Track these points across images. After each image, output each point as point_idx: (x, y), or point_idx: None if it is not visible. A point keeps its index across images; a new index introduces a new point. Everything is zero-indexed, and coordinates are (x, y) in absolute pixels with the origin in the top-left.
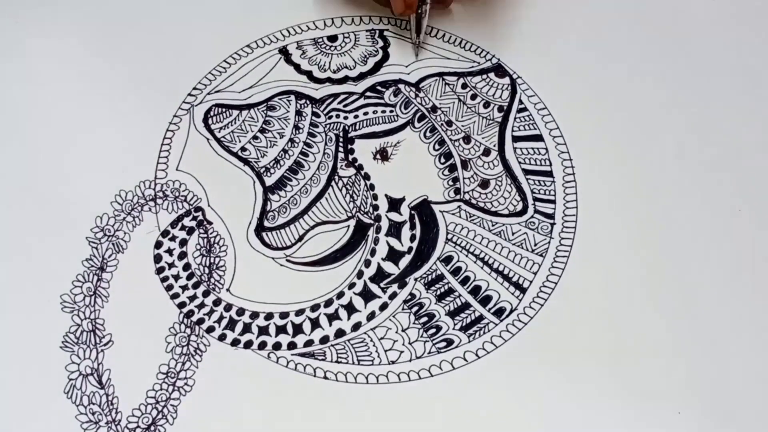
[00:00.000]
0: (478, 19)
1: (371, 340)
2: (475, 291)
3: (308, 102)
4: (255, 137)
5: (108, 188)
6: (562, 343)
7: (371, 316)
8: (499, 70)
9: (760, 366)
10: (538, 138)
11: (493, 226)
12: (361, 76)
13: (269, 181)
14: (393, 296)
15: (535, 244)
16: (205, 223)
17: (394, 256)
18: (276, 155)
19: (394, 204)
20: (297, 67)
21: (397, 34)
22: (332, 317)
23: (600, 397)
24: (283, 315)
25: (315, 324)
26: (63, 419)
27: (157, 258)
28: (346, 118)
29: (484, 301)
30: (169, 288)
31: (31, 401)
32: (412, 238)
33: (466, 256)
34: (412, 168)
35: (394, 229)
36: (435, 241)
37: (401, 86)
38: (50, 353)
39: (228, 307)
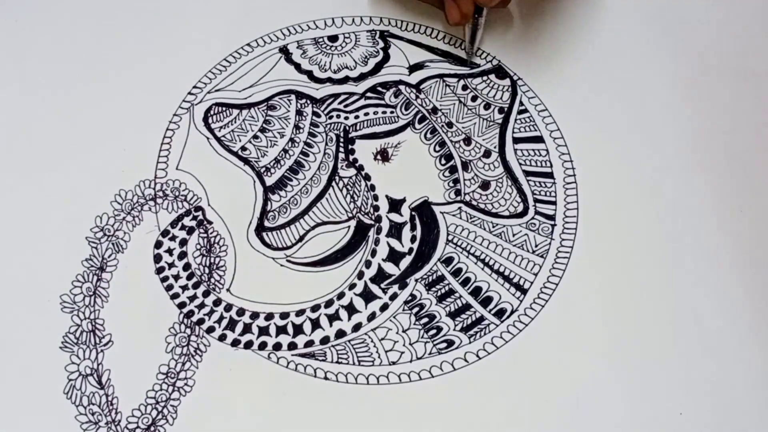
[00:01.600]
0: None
1: (372, 341)
2: (475, 292)
3: (309, 102)
4: (255, 137)
5: (108, 188)
6: (563, 344)
7: (372, 317)
8: (500, 71)
9: (762, 367)
10: (539, 139)
11: (493, 227)
12: (362, 77)
13: (269, 180)
14: (394, 297)
15: (536, 246)
16: (205, 222)
17: (394, 257)
18: (276, 155)
19: (395, 205)
20: (297, 67)
21: (397, 35)
22: (333, 318)
23: (601, 398)
24: (284, 315)
25: (315, 324)
26: (62, 420)
27: (157, 258)
28: (346, 118)
29: (485, 302)
30: (169, 288)
31: (31, 402)
32: (413, 239)
33: (467, 257)
34: (413, 169)
35: (395, 230)
36: (436, 242)
37: (402, 87)
38: (50, 353)
39: (228, 308)
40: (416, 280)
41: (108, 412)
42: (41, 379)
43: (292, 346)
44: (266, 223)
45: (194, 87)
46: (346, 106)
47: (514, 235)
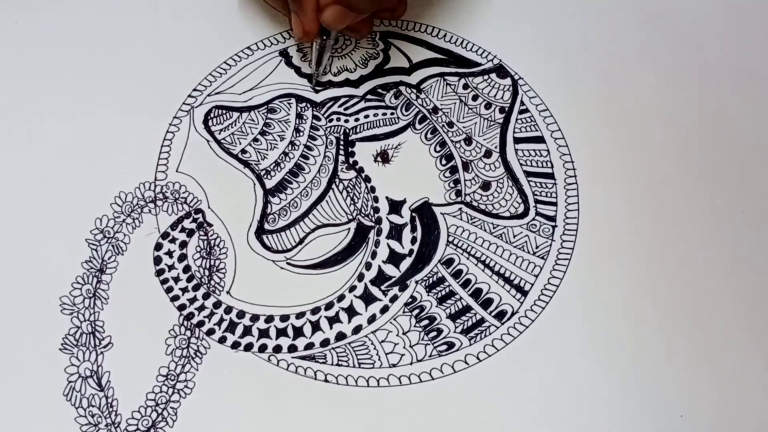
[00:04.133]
0: (479, 19)
1: (372, 343)
2: (476, 294)
3: (309, 105)
4: (255, 139)
5: (107, 190)
6: (564, 346)
7: (372, 319)
8: (501, 70)
9: (763, 369)
10: (540, 140)
11: (494, 228)
12: (362, 79)
13: (269, 183)
14: (394, 299)
15: (537, 247)
16: (205, 225)
17: (394, 258)
18: (276, 158)
19: (395, 206)
20: (297, 70)
21: (398, 33)
22: (333, 320)
23: (601, 400)
24: (284, 318)
25: (315, 327)
26: (62, 421)
27: (157, 260)
28: (346, 120)
29: (486, 303)
30: (169, 290)
31: (31, 403)
32: (413, 240)
33: (467, 258)
34: (413, 170)
35: (395, 232)
36: (436, 243)
37: (402, 88)
38: (49, 355)
39: (228, 310)
40: (416, 282)
41: (108, 414)
42: (41, 381)
43: (292, 348)
44: (266, 226)
45: (194, 90)
46: (346, 108)
47: (514, 237)
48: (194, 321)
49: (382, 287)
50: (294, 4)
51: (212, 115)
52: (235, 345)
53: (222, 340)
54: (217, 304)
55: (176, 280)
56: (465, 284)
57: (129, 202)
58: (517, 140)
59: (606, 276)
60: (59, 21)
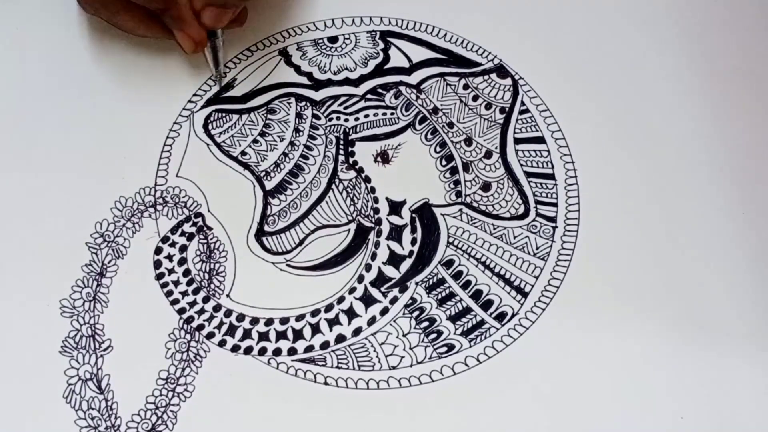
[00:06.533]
0: (480, 19)
1: (372, 346)
2: (476, 295)
3: (309, 104)
4: (255, 141)
5: (108, 195)
6: (564, 348)
7: (372, 321)
8: (501, 70)
9: (764, 370)
10: (540, 140)
11: (494, 229)
12: (362, 78)
13: (269, 185)
14: (394, 301)
15: (537, 248)
16: (205, 228)
17: (395, 259)
18: (276, 159)
19: (395, 207)
20: (297, 69)
21: (397, 32)
22: (333, 322)
23: (602, 402)
24: (284, 320)
25: (315, 329)
26: (62, 424)
27: (157, 264)
28: (346, 120)
29: (486, 305)
30: (168, 294)
31: (30, 406)
32: (413, 241)
33: (468, 259)
34: (413, 171)
35: (395, 233)
36: (436, 244)
37: (402, 88)
38: (49, 358)
39: (228, 313)
40: (416, 284)
41: (107, 416)
42: (41, 383)
43: (291, 351)
44: (266, 228)
45: (194, 95)
46: (346, 107)
47: (515, 238)
48: (194, 324)
49: (382, 289)
50: (174, 23)
51: (212, 118)
52: (235, 348)
53: (222, 343)
54: (217, 308)
55: (176, 283)
56: (465, 285)
57: (129, 206)
58: (517, 141)
59: (606, 277)
60: (59, 26)
